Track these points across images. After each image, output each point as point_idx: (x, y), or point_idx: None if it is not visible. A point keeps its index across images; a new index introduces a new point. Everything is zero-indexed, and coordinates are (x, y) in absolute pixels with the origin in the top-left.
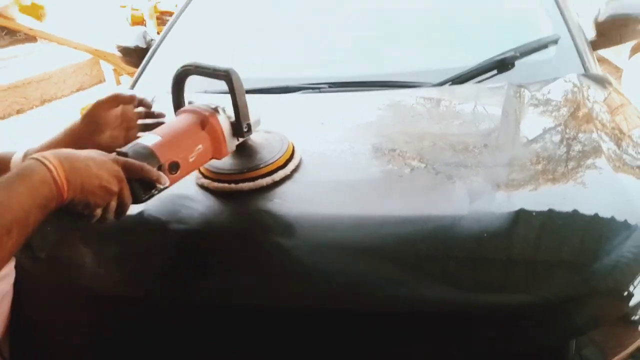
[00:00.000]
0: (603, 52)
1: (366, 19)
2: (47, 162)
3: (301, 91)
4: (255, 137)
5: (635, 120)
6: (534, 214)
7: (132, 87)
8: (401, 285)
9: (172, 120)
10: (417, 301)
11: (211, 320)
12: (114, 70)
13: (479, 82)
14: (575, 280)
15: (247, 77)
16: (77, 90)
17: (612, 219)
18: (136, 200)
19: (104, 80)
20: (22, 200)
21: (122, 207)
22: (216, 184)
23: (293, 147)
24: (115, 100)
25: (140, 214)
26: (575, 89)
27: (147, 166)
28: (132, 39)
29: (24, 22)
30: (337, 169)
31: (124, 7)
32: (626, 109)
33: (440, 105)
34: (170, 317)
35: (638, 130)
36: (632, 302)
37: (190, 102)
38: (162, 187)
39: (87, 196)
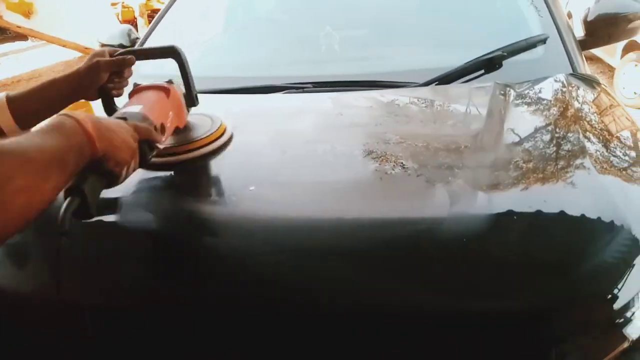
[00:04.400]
0: (596, 51)
1: (351, 18)
2: (73, 115)
3: (284, 91)
4: (191, 118)
5: (623, 121)
6: (515, 217)
7: None
8: (376, 290)
9: (139, 95)
10: (391, 307)
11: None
12: None
13: (466, 81)
14: (558, 284)
15: (230, 76)
16: None
17: (596, 222)
18: (144, 162)
19: None
20: (58, 142)
21: (134, 168)
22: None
23: (225, 127)
24: (119, 65)
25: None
26: (564, 89)
27: (151, 128)
28: (116, 36)
29: (12, 19)
30: (317, 170)
31: (115, 4)
32: (615, 110)
33: (425, 106)
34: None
35: (626, 131)
36: (617, 306)
37: (136, 84)
38: (160, 147)
39: (115, 151)
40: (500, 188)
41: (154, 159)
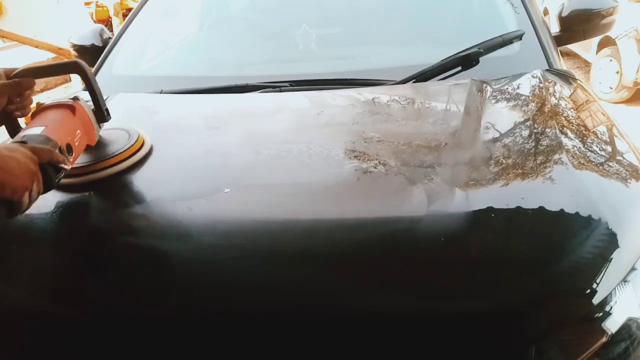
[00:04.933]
0: (572, 47)
1: (328, 16)
2: None
3: (261, 90)
4: (105, 133)
5: (599, 116)
6: (492, 214)
7: None
8: (355, 292)
9: (42, 115)
10: (371, 308)
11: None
12: None
13: (444, 78)
14: (537, 281)
15: (206, 76)
16: (42, 91)
17: (574, 218)
18: (51, 185)
19: (70, 80)
20: None
21: (39, 192)
22: (67, 179)
23: (143, 140)
24: (15, 89)
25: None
26: (540, 85)
27: (54, 149)
28: (88, 36)
29: None
30: (293, 170)
31: (89, 4)
32: (591, 105)
33: (403, 103)
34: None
35: (602, 127)
36: (595, 301)
37: (39, 103)
38: (67, 168)
39: (10, 178)
40: (478, 186)
41: (67, 180)
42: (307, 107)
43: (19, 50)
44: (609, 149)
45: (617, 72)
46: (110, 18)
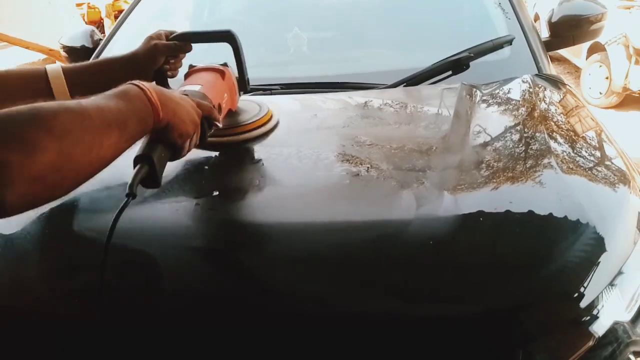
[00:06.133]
0: (563, 52)
1: (319, 20)
2: (139, 84)
3: (251, 93)
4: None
5: (588, 121)
6: (481, 218)
7: None
8: (343, 295)
9: (196, 75)
10: (359, 311)
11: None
12: None
13: (434, 83)
14: (524, 285)
15: None
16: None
17: (561, 222)
18: (204, 139)
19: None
20: (119, 106)
21: (195, 143)
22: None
23: (272, 113)
24: (176, 50)
25: None
26: (530, 90)
27: (212, 106)
28: (78, 38)
29: None
30: (282, 174)
31: (80, 5)
32: (579, 110)
33: (394, 107)
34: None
35: (591, 132)
36: (582, 305)
37: (191, 65)
38: (219, 126)
39: (179, 123)
40: (466, 189)
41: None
42: (298, 110)
43: (9, 51)
44: (598, 153)
45: (607, 78)
46: (102, 19)
